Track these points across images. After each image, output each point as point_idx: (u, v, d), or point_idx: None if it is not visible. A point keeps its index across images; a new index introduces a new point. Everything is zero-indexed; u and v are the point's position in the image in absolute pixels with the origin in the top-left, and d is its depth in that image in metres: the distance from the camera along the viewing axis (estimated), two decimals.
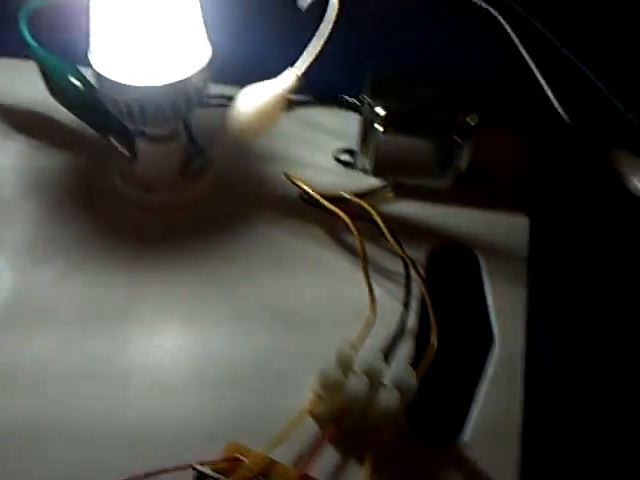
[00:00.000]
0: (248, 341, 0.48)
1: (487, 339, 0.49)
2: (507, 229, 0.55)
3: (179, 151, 0.54)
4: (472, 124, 0.53)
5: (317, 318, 0.50)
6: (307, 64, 0.51)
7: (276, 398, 0.46)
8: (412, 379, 0.44)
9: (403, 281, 0.50)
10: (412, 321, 0.49)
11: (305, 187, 0.53)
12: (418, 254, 0.52)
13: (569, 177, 0.59)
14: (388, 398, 0.42)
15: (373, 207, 0.51)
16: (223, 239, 0.53)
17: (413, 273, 0.50)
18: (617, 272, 0.54)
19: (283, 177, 0.54)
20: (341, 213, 0.51)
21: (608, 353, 0.50)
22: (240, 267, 0.52)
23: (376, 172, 0.55)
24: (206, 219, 0.54)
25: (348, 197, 0.52)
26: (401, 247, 0.50)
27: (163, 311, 0.50)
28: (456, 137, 0.53)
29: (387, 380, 0.44)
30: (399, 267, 0.51)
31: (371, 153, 0.55)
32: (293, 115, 0.61)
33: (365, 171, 0.56)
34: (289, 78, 0.51)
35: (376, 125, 0.53)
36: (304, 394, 0.45)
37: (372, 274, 0.50)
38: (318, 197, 0.52)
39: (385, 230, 0.50)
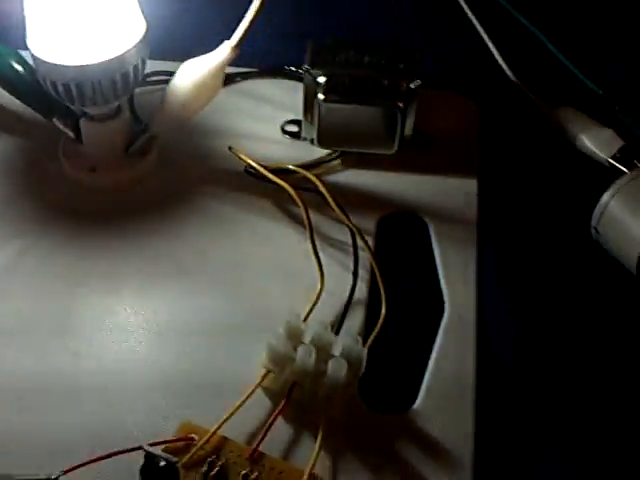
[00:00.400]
0: (198, 317, 0.48)
1: (439, 305, 0.49)
2: (455, 193, 0.55)
3: (123, 130, 0.54)
4: (415, 88, 0.53)
5: (266, 291, 0.49)
6: (240, 34, 0.50)
7: (228, 373, 0.46)
8: (360, 349, 0.43)
9: (352, 251, 0.50)
10: (361, 291, 0.49)
11: (249, 160, 0.52)
12: (367, 222, 0.52)
13: (517, 136, 0.59)
14: (337, 369, 0.42)
15: (318, 177, 0.51)
16: (170, 215, 0.53)
17: (360, 242, 0.50)
18: (567, 231, 0.54)
19: (228, 151, 0.54)
20: (285, 185, 0.50)
21: (560, 313, 0.50)
22: (188, 243, 0.52)
23: (322, 142, 0.55)
24: (153, 196, 0.54)
25: (293, 169, 0.52)
26: (347, 216, 0.50)
27: (113, 290, 0.50)
28: (399, 102, 0.53)
29: (336, 351, 0.44)
30: (348, 237, 0.50)
31: (315, 122, 0.54)
32: (238, 88, 0.60)
33: (311, 141, 0.56)
34: (226, 50, 0.51)
35: (318, 94, 0.53)
36: (256, 368, 0.44)
37: (321, 245, 0.50)
38: (262, 170, 0.51)
39: (330, 200, 0.50)
